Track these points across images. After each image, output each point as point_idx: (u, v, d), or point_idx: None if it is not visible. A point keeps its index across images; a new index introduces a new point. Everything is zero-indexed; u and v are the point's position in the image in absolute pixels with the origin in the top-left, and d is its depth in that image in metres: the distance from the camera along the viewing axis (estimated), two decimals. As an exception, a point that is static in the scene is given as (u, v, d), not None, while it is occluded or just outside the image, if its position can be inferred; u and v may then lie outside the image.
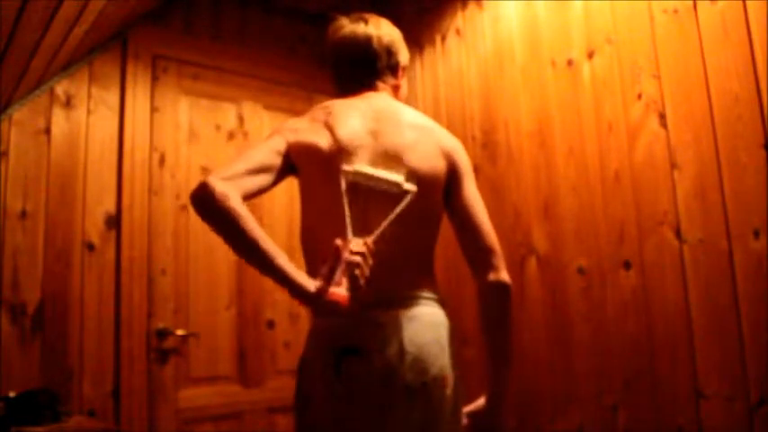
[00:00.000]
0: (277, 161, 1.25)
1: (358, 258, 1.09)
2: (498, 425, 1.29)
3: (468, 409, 1.31)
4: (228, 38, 2.69)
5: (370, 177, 1.22)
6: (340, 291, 1.07)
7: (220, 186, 1.11)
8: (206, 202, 1.11)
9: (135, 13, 2.31)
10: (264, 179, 1.22)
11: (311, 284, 1.09)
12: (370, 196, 1.24)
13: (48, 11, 1.58)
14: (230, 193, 1.11)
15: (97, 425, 2.03)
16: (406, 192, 1.22)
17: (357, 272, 1.09)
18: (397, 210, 1.20)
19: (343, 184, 1.22)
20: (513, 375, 1.32)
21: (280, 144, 1.27)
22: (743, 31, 1.61)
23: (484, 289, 1.29)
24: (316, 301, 1.08)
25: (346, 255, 1.09)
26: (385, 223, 1.19)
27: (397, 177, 1.23)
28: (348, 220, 1.18)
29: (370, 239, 1.14)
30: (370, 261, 1.12)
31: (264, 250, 1.10)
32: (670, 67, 1.78)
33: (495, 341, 1.29)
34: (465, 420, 1.29)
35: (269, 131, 1.39)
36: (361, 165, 1.23)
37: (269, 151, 1.25)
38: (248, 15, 2.77)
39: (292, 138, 1.28)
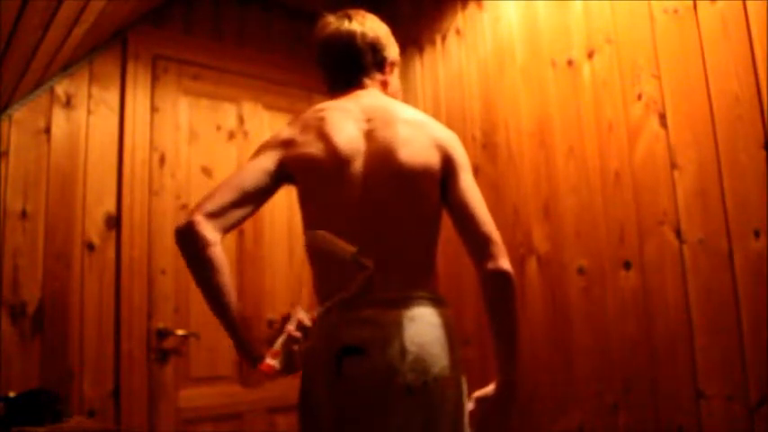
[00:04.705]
0: (267, 183, 1.29)
1: (298, 334, 1.16)
2: (505, 414, 1.28)
3: (477, 394, 1.30)
4: (228, 38, 2.69)
5: (327, 242, 1.24)
6: (272, 363, 1.14)
7: (205, 231, 1.17)
8: (189, 246, 1.18)
9: (135, 13, 2.31)
10: (252, 207, 1.27)
11: (252, 349, 1.21)
12: (380, 209, 1.26)
13: (48, 11, 1.58)
14: (213, 238, 1.18)
15: (97, 425, 2.03)
16: (363, 265, 1.22)
17: (295, 347, 1.16)
18: (352, 288, 1.23)
19: (308, 244, 1.30)
20: (521, 364, 1.31)
21: (269, 163, 1.30)
22: (743, 31, 1.61)
23: (483, 279, 1.28)
24: (251, 366, 1.20)
25: (290, 327, 1.16)
26: (338, 298, 1.23)
27: (350, 248, 1.23)
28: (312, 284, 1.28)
29: (315, 314, 1.21)
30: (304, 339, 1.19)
31: (227, 308, 1.21)
32: (670, 67, 1.78)
33: (499, 330, 1.29)
34: (471, 405, 1.28)
35: (269, 131, 1.39)
36: (324, 231, 1.25)
37: (259, 173, 1.28)
38: (248, 15, 2.77)
39: (286, 152, 1.30)
